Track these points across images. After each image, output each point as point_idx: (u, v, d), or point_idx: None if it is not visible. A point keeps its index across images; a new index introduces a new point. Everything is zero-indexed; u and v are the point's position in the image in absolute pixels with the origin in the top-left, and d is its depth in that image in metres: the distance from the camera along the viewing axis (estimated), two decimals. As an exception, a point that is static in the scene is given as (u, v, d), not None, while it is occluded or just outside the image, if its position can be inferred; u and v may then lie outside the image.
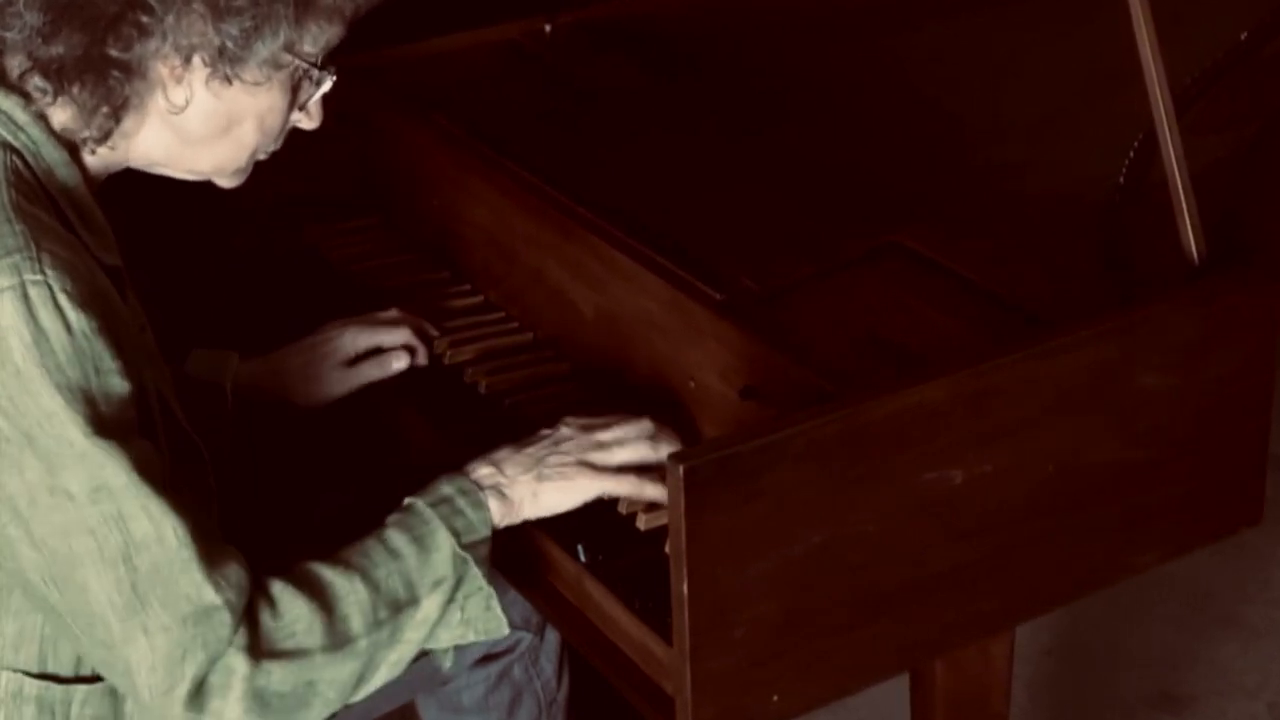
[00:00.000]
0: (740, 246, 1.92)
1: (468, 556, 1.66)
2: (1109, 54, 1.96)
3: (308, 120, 1.71)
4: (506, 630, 1.71)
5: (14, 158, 1.57)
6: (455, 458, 1.77)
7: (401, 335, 2.05)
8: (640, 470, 1.76)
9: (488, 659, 2.14)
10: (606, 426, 1.78)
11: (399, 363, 2.02)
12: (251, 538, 1.90)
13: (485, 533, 1.69)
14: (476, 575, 1.67)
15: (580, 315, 1.99)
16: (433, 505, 1.68)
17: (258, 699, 1.57)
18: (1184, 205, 1.79)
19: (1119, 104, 2.06)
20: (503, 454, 1.75)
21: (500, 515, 1.71)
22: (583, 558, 1.74)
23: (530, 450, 1.76)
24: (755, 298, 1.83)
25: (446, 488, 1.71)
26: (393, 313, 2.07)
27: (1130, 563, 1.83)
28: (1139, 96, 1.80)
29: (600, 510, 1.78)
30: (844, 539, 1.60)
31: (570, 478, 1.73)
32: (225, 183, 1.71)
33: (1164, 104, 1.79)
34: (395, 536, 1.66)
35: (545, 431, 1.78)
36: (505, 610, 2.08)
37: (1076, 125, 2.24)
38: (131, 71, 1.56)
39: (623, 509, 1.78)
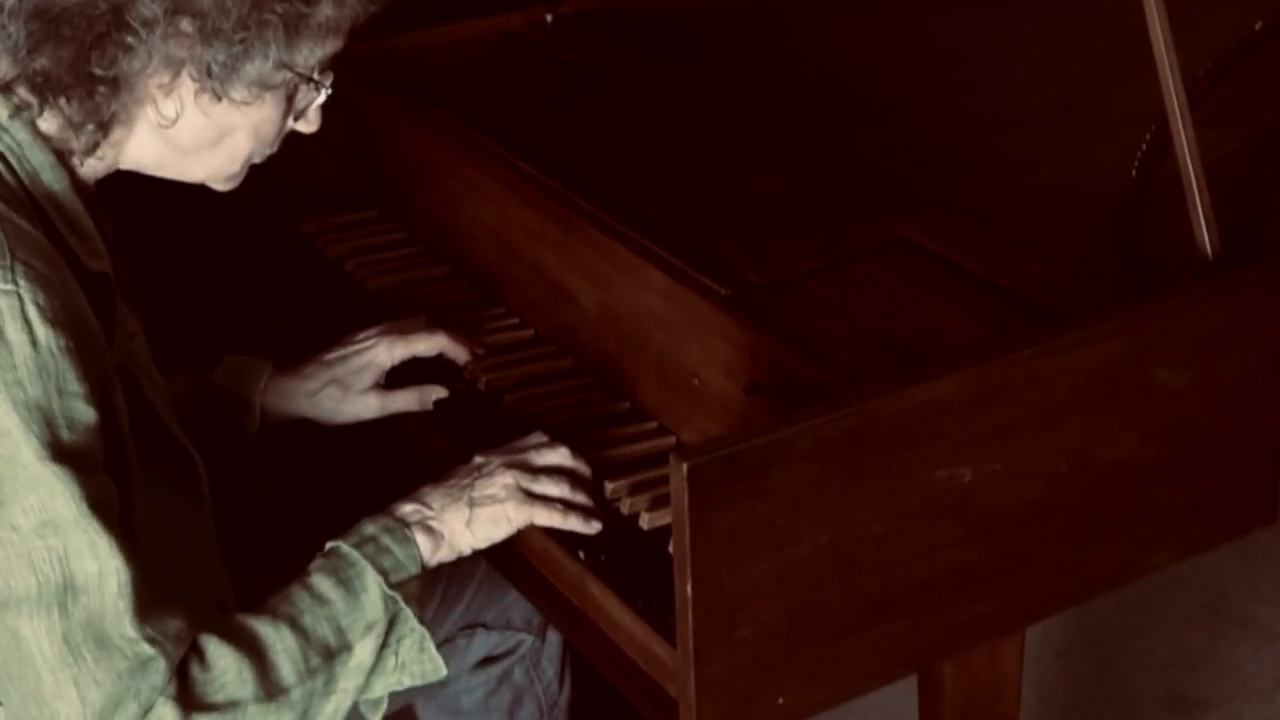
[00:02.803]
0: (745, 238, 1.91)
1: (397, 596, 1.62)
2: (1121, 44, 1.95)
3: (306, 125, 1.68)
4: (444, 672, 1.67)
5: None
6: (454, 455, 1.75)
7: (438, 342, 2.00)
8: (565, 503, 1.74)
9: (488, 661, 2.13)
10: (526, 450, 1.76)
11: (437, 393, 1.97)
12: (253, 552, 1.88)
13: (414, 570, 1.65)
14: (408, 616, 1.63)
15: (582, 310, 1.98)
16: (357, 546, 1.64)
17: None
18: (1197, 198, 1.78)
19: (1131, 95, 2.05)
20: (426, 490, 1.72)
21: (430, 551, 1.67)
22: (582, 557, 1.72)
23: (454, 482, 1.72)
24: (760, 292, 1.81)
25: (370, 527, 1.66)
26: (422, 319, 2.04)
27: (1143, 562, 1.81)
28: (1151, 87, 1.78)
29: (602, 510, 1.76)
30: (851, 539, 1.58)
31: (501, 501, 1.70)
32: (220, 187, 1.68)
33: (1177, 95, 1.78)
34: (321, 581, 1.61)
35: (463, 467, 1.75)
36: (506, 612, 2.09)
37: (1088, 117, 2.23)
38: (119, 87, 1.52)
39: (624, 509, 1.76)
